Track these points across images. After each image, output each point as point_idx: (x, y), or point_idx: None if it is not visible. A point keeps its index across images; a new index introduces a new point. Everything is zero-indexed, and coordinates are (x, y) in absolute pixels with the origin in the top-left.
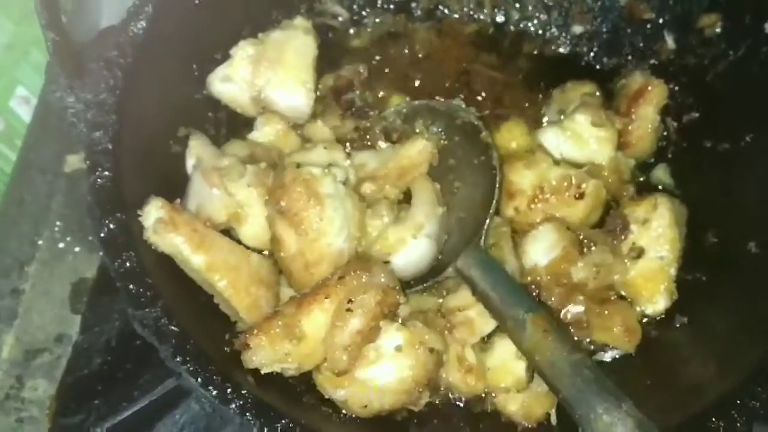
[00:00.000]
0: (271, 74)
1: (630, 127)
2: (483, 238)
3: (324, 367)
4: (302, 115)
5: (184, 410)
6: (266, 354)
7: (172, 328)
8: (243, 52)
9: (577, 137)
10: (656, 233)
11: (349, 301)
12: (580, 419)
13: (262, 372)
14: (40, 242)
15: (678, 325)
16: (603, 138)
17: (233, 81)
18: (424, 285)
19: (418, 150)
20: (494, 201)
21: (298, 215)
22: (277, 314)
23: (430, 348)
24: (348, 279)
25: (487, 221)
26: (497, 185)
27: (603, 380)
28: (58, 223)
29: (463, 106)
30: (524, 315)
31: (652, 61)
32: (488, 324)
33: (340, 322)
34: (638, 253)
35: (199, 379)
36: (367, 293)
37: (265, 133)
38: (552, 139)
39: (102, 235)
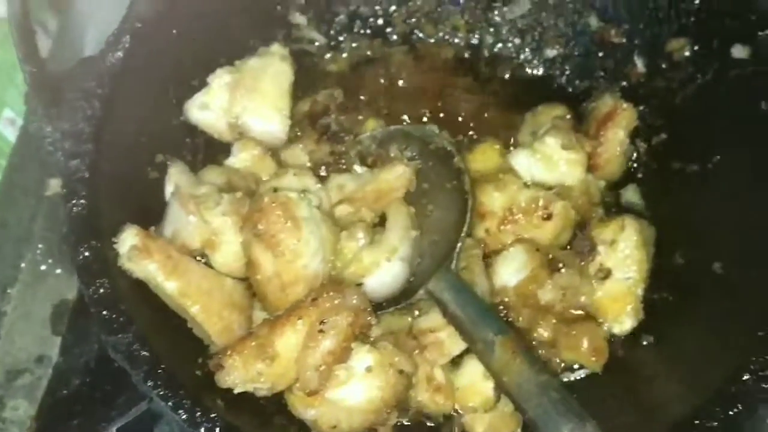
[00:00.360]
0: (247, 101)
1: (599, 150)
2: (454, 260)
3: (296, 388)
4: (278, 141)
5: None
6: (239, 374)
7: (144, 353)
8: (220, 79)
9: (547, 160)
10: (623, 254)
11: (322, 322)
12: None
13: (236, 392)
14: (22, 264)
15: (644, 344)
16: (572, 160)
17: (210, 108)
18: (396, 306)
19: (397, 174)
20: (466, 224)
21: (275, 237)
22: (250, 335)
23: (400, 370)
24: (321, 301)
25: (459, 244)
26: (469, 209)
27: (569, 401)
28: (40, 245)
29: (437, 131)
30: (493, 337)
31: (623, 84)
32: (458, 345)
33: (312, 343)
34: (605, 274)
35: (169, 403)
36: (339, 315)
37: (241, 158)
38: (523, 161)
39: (77, 262)
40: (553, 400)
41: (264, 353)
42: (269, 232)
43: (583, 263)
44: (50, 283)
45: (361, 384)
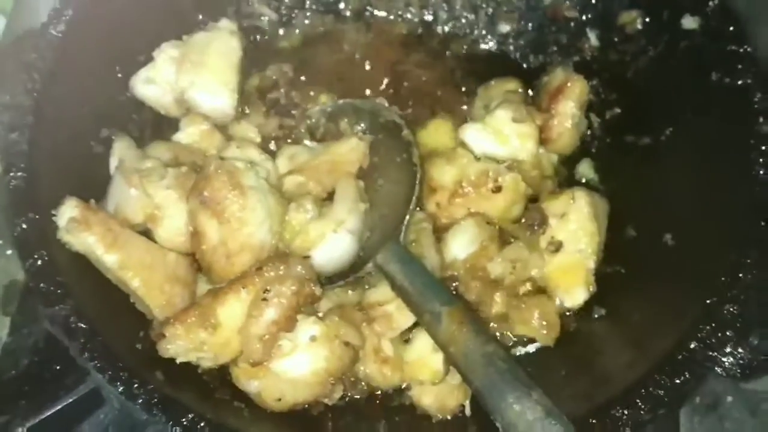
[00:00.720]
0: (194, 76)
1: (551, 123)
2: (403, 233)
3: (240, 359)
4: (226, 116)
5: (109, 410)
6: (181, 343)
7: (81, 325)
8: (165, 54)
9: (498, 133)
10: (574, 227)
11: (266, 290)
12: (491, 409)
13: (178, 361)
14: None
15: (596, 317)
16: (524, 134)
17: (156, 83)
18: (345, 280)
19: (351, 147)
20: (414, 197)
21: (221, 204)
22: (193, 305)
23: (346, 342)
24: (265, 270)
25: (407, 217)
26: (417, 182)
27: (515, 370)
28: None
29: (386, 104)
30: (440, 308)
31: (576, 58)
32: (406, 318)
33: (255, 312)
34: (556, 246)
35: (105, 376)
36: (283, 284)
37: (189, 133)
38: (473, 135)
39: (15, 234)
40: (500, 370)
41: (207, 322)
42: (215, 200)
43: (533, 236)
44: (0, 264)
45: (305, 355)
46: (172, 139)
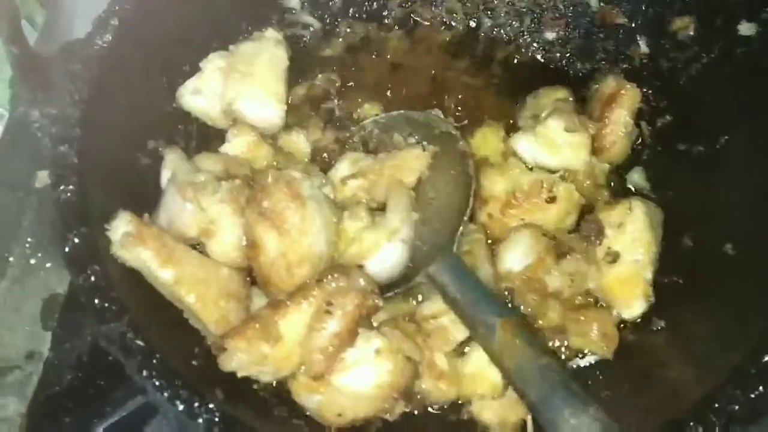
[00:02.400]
0: (241, 86)
1: (603, 132)
2: (456, 244)
3: (300, 372)
4: (274, 127)
5: (156, 427)
6: (243, 356)
7: (138, 342)
8: (213, 64)
9: (551, 143)
10: (631, 237)
11: (328, 303)
12: (547, 423)
13: (239, 375)
14: (11, 258)
15: (655, 329)
16: (576, 143)
17: (203, 94)
18: (396, 291)
19: (415, 156)
20: (468, 209)
21: (281, 215)
22: (253, 317)
23: (408, 357)
24: (327, 282)
25: (460, 228)
26: (471, 193)
27: (570, 384)
28: (29, 239)
29: (441, 115)
30: (493, 319)
31: (625, 66)
32: (461, 332)
33: (318, 325)
34: (614, 257)
35: (165, 394)
36: (346, 297)
37: (236, 144)
38: (525, 145)
39: (66, 249)
40: (554, 383)
41: (268, 335)
42: (275, 210)
43: (590, 247)
44: (40, 278)
45: (369, 368)
46: (220, 151)
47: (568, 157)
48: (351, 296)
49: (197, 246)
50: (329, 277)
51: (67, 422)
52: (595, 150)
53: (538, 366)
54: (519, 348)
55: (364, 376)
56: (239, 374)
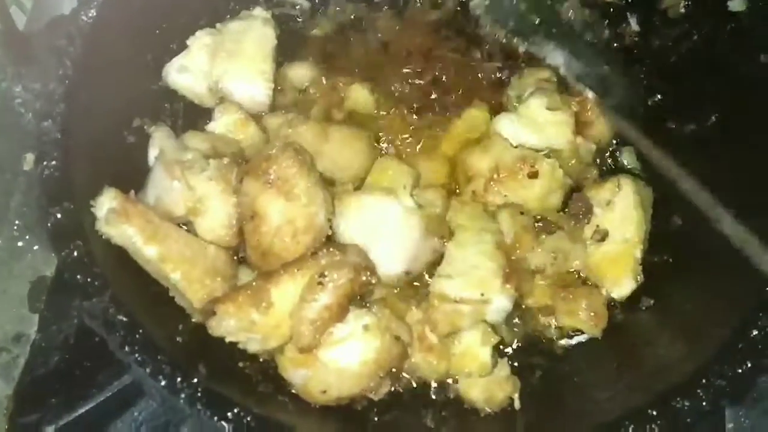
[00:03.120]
0: (228, 65)
1: (585, 107)
2: None
3: (288, 346)
4: (261, 106)
5: (143, 407)
6: (233, 321)
7: (121, 317)
8: (200, 42)
9: (533, 122)
10: (620, 215)
11: (322, 275)
12: None
13: (227, 340)
14: None
15: (644, 308)
16: (559, 122)
17: (190, 71)
18: None
19: None
20: None
21: (290, 181)
22: (245, 285)
23: (396, 336)
24: (321, 255)
25: None
26: None
27: None
28: (16, 221)
29: None
30: None
31: (616, 44)
32: (470, 320)
33: (309, 296)
34: (602, 235)
35: (147, 369)
36: (339, 270)
37: (223, 122)
38: (508, 125)
39: (49, 224)
40: None
41: (259, 301)
42: (283, 177)
43: (577, 226)
44: (27, 260)
45: (356, 343)
46: (206, 129)
47: (551, 136)
48: (344, 271)
49: (185, 226)
50: (325, 250)
51: (53, 403)
52: (580, 128)
53: None
54: None
55: (351, 351)
56: (228, 339)
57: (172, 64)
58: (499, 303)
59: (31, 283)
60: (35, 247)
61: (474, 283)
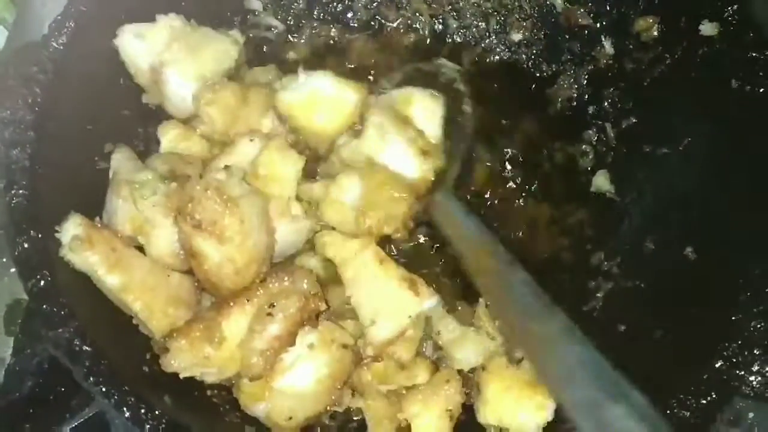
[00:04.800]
0: (181, 55)
1: None
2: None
3: (243, 380)
4: (183, 109)
5: None
6: (186, 357)
7: (86, 348)
8: (169, 21)
9: None
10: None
11: (270, 305)
12: None
13: (182, 376)
14: None
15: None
16: None
17: (145, 42)
18: None
19: None
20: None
21: (218, 224)
22: (197, 318)
23: (343, 344)
24: (269, 282)
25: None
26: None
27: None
28: None
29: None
30: None
31: (591, 67)
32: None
33: (258, 327)
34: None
35: (111, 401)
36: (288, 299)
37: (168, 140)
38: None
39: (16, 253)
40: None
41: (211, 336)
42: (209, 219)
43: None
44: (4, 283)
45: (307, 364)
46: (165, 151)
47: None
48: (293, 299)
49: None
50: (272, 276)
51: (27, 428)
52: None
53: None
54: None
55: (304, 373)
56: (182, 375)
57: (131, 27)
58: (428, 306)
59: (8, 306)
60: (12, 270)
61: (395, 311)
